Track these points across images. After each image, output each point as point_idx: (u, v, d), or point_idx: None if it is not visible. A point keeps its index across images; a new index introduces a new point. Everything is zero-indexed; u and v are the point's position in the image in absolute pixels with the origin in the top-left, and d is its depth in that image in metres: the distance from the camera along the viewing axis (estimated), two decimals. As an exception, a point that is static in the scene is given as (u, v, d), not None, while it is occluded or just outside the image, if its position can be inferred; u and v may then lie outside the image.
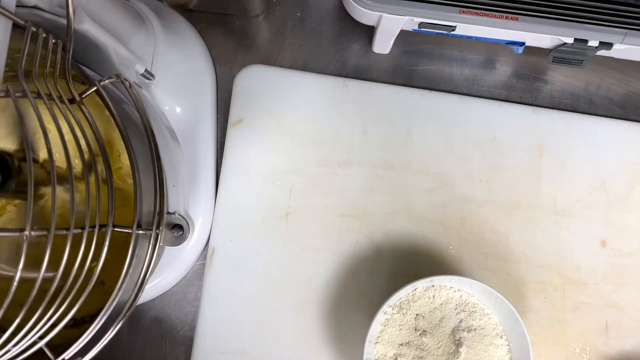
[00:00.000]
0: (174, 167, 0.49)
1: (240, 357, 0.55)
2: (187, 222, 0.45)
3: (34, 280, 0.28)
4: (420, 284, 0.51)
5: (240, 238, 0.57)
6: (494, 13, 0.48)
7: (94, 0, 0.40)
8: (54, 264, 0.29)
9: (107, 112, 0.35)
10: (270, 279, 0.56)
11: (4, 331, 0.29)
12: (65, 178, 0.35)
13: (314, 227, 0.57)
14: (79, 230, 0.31)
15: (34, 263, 0.29)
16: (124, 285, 0.33)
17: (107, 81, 0.35)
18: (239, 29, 0.61)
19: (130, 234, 0.34)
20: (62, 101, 0.32)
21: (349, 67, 0.60)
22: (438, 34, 0.52)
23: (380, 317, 0.50)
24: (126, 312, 0.35)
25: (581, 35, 0.49)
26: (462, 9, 0.48)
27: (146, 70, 0.49)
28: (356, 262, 0.56)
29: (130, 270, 0.34)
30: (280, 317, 0.55)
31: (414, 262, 0.56)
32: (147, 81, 0.51)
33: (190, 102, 0.57)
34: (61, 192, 0.36)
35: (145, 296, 0.57)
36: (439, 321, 0.51)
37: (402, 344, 0.51)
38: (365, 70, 0.60)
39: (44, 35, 0.33)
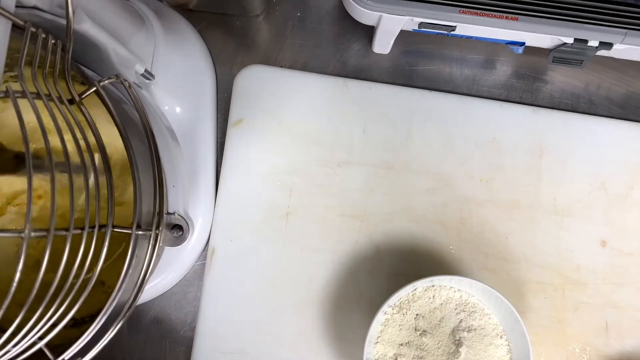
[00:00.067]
0: (173, 167, 0.49)
1: (240, 357, 0.55)
2: (186, 223, 0.45)
3: (33, 280, 0.28)
4: (420, 284, 0.51)
5: (240, 238, 0.57)
6: (494, 13, 0.48)
7: (93, 0, 0.40)
8: (53, 265, 0.29)
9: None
10: (270, 279, 0.56)
11: (4, 331, 0.29)
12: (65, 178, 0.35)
13: (314, 227, 0.57)
14: (79, 231, 0.31)
15: (33, 263, 0.29)
16: (123, 285, 0.33)
17: (106, 81, 0.35)
18: (239, 29, 0.61)
19: (130, 234, 0.34)
20: (61, 101, 0.32)
21: (349, 67, 0.60)
22: (438, 34, 0.52)
23: (380, 317, 0.50)
24: (126, 312, 0.35)
25: (581, 35, 0.49)
26: (462, 9, 0.48)
27: (146, 71, 0.49)
28: (356, 262, 0.56)
29: (130, 271, 0.34)
30: (280, 317, 0.55)
31: (414, 262, 0.56)
32: (147, 81, 0.51)
33: (190, 102, 0.57)
34: (60, 192, 0.36)
35: (145, 296, 0.57)
36: (439, 321, 0.51)
37: (402, 344, 0.51)
38: (365, 70, 0.60)
39: (44, 35, 0.33)
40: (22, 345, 0.31)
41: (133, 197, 0.34)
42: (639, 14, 0.48)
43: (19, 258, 0.26)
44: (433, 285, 0.52)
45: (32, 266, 0.28)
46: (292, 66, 0.61)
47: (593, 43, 0.50)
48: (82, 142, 0.31)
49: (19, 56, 0.31)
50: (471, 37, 0.53)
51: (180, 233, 0.44)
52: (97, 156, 0.32)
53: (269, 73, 0.59)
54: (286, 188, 0.57)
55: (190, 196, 0.55)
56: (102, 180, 0.32)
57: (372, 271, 0.56)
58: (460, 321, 0.51)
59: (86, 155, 0.31)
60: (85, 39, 0.39)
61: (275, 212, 0.57)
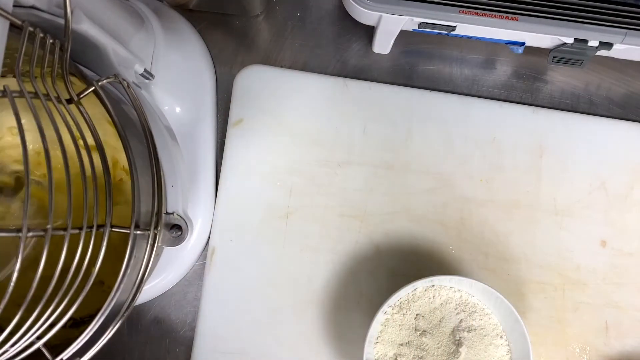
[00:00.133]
0: (172, 167, 0.49)
1: (240, 357, 0.55)
2: (185, 222, 0.45)
3: (31, 280, 0.28)
4: (420, 284, 0.51)
5: (240, 238, 0.57)
6: (494, 13, 0.48)
7: (92, 0, 0.40)
8: (51, 264, 0.29)
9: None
10: (270, 279, 0.56)
11: (2, 331, 0.29)
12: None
13: (314, 227, 0.57)
14: (77, 231, 0.31)
15: (32, 263, 0.29)
16: (122, 285, 0.33)
17: (105, 81, 0.35)
18: (239, 29, 0.61)
19: (128, 234, 0.34)
20: (59, 101, 0.32)
21: (349, 67, 0.60)
22: (438, 34, 0.52)
23: (380, 317, 0.50)
24: (124, 312, 0.35)
25: (581, 35, 0.49)
26: (462, 9, 0.48)
27: (145, 70, 0.49)
28: (356, 262, 0.56)
29: (129, 271, 0.34)
30: (280, 317, 0.55)
31: (414, 262, 0.56)
32: (147, 81, 0.51)
33: (190, 102, 0.57)
34: (59, 192, 0.36)
35: (145, 296, 0.57)
36: (439, 321, 0.51)
37: (402, 344, 0.51)
38: (365, 70, 0.60)
39: (42, 35, 0.33)
40: (20, 345, 0.31)
41: (131, 197, 0.34)
42: (639, 14, 0.48)
43: (17, 257, 0.26)
44: (433, 285, 0.52)
45: (30, 265, 0.28)
46: (292, 66, 0.61)
47: (593, 43, 0.50)
48: (80, 142, 0.31)
49: (17, 56, 0.31)
50: (471, 37, 0.53)
51: (179, 233, 0.44)
52: (95, 155, 0.32)
53: (269, 73, 0.59)
54: (286, 188, 0.57)
55: (190, 196, 0.55)
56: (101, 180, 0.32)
57: (372, 271, 0.56)
58: (460, 321, 0.51)
59: (84, 154, 0.31)
60: (84, 38, 0.38)
61: (275, 212, 0.57)
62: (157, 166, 0.36)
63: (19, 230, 0.27)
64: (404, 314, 0.51)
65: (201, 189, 0.56)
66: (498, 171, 0.57)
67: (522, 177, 0.57)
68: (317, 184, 0.57)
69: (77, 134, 0.32)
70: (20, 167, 0.45)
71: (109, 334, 0.35)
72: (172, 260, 0.56)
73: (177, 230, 0.44)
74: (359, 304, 0.55)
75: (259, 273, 0.56)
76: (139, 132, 0.37)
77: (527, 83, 0.60)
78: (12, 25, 0.31)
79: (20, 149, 0.28)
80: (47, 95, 0.31)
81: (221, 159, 0.58)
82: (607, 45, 0.50)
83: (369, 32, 0.60)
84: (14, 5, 0.32)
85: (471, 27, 0.50)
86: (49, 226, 0.28)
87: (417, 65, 0.60)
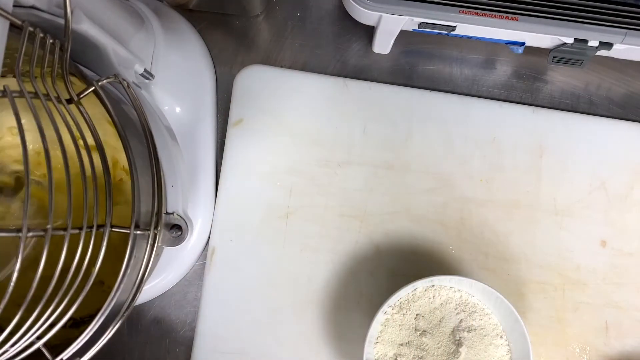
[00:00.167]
0: (172, 167, 0.49)
1: (240, 357, 0.55)
2: (185, 222, 0.45)
3: (31, 280, 0.28)
4: (420, 284, 0.51)
5: (240, 238, 0.57)
6: (494, 13, 0.48)
7: (92, 0, 0.40)
8: (51, 264, 0.29)
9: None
10: (270, 279, 0.56)
11: (2, 331, 0.29)
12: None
13: (314, 227, 0.57)
14: (77, 231, 0.31)
15: (32, 263, 0.29)
16: (122, 285, 0.33)
17: (104, 81, 0.35)
18: (239, 29, 0.61)
19: (129, 234, 0.34)
20: (59, 101, 0.32)
21: (349, 67, 0.60)
22: (438, 34, 0.52)
23: (380, 317, 0.50)
24: (124, 313, 0.35)
25: (581, 35, 0.49)
26: (462, 9, 0.48)
27: (145, 70, 0.49)
28: (356, 262, 0.56)
29: (129, 271, 0.34)
30: (280, 317, 0.55)
31: (414, 262, 0.56)
32: (147, 81, 0.51)
33: (190, 102, 0.57)
34: (59, 192, 0.37)
35: (145, 296, 0.57)
36: (439, 321, 0.51)
37: (402, 344, 0.51)
38: (365, 70, 0.60)
39: (42, 35, 0.33)
40: (20, 345, 0.31)
41: (131, 197, 0.34)
42: (639, 14, 0.48)
43: (17, 257, 0.26)
44: (433, 285, 0.52)
45: (30, 265, 0.28)
46: (292, 66, 0.61)
47: (593, 43, 0.50)
48: (80, 142, 0.31)
49: (17, 56, 0.31)
50: (471, 37, 0.53)
51: (179, 233, 0.44)
52: (95, 155, 0.32)
53: (269, 73, 0.59)
54: (286, 188, 0.57)
55: (190, 196, 0.55)
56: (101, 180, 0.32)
57: (372, 271, 0.56)
58: (460, 321, 0.51)
59: (84, 154, 0.31)
60: (84, 38, 0.39)
61: (275, 212, 0.57)
62: (157, 166, 0.36)
63: (19, 230, 0.27)
64: (404, 314, 0.51)
65: (201, 189, 0.56)
66: (498, 171, 0.57)
67: (522, 177, 0.57)
68: (317, 184, 0.57)
69: (77, 134, 0.32)
70: (20, 167, 0.45)
71: (109, 334, 0.35)
72: (172, 260, 0.56)
73: (177, 230, 0.44)
74: (359, 304, 0.55)
75: (259, 273, 0.56)
76: (139, 132, 0.37)
77: (527, 83, 0.60)
78: (12, 25, 0.31)
79: (20, 149, 0.28)
80: (47, 95, 0.31)
81: (221, 159, 0.58)
82: (607, 45, 0.50)
83: (369, 32, 0.60)
84: (14, 5, 0.32)
85: (471, 27, 0.50)
86: (49, 226, 0.28)
87: (417, 65, 0.60)
